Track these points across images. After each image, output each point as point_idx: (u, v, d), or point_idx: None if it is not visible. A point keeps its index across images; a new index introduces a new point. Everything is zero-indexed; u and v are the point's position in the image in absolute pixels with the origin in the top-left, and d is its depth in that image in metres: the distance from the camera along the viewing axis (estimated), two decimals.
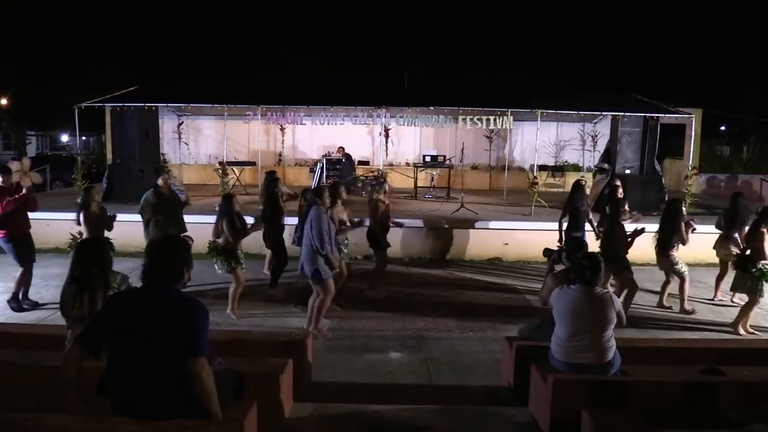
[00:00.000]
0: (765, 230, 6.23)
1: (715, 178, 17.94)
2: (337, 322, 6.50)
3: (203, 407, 2.66)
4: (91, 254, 3.75)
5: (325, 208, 5.92)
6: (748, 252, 6.40)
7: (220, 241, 6.49)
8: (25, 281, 6.95)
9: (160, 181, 7.47)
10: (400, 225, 7.68)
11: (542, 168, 15.16)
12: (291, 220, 8.14)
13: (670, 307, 7.30)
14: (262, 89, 14.95)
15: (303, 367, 4.44)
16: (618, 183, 8.37)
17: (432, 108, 14.04)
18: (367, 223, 7.37)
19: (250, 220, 7.39)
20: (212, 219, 7.57)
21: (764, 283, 6.23)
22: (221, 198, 6.77)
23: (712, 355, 4.49)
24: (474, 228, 10.14)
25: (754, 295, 6.30)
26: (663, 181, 12.60)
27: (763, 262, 6.20)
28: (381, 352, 5.70)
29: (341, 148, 15.42)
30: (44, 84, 32.11)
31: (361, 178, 14.19)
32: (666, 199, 12.17)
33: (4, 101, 31.18)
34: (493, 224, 10.23)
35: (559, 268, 4.96)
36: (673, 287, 7.37)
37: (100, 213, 7.01)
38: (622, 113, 11.81)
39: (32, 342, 4.25)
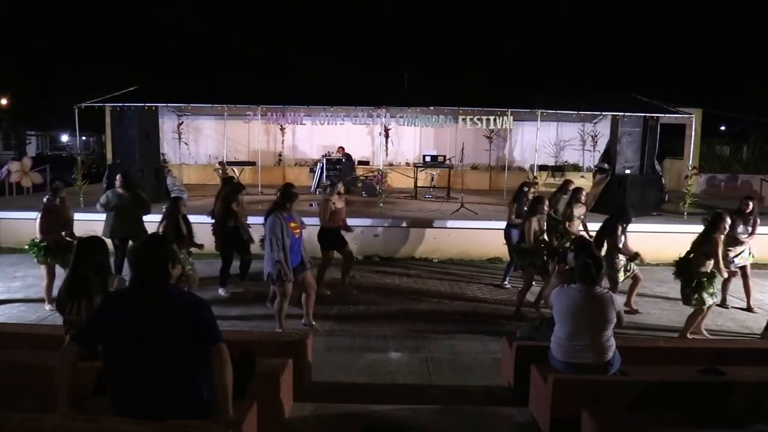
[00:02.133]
0: (717, 236, 5.94)
1: (715, 178, 17.95)
2: (337, 323, 6.50)
3: (203, 408, 2.66)
4: (89, 256, 3.69)
5: (287, 214, 5.79)
6: (691, 256, 6.05)
7: None
8: None
9: (116, 182, 7.55)
10: (349, 229, 7.67)
11: (542, 168, 15.17)
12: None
13: (637, 311, 7.07)
14: (262, 89, 14.95)
15: (303, 367, 4.44)
16: (579, 186, 8.27)
17: (432, 108, 14.04)
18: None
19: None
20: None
21: (703, 291, 5.89)
22: (169, 200, 6.75)
23: (712, 355, 4.49)
24: (474, 228, 10.14)
25: (700, 305, 5.94)
26: (663, 181, 12.60)
27: (704, 268, 5.90)
28: (381, 352, 5.69)
29: (341, 148, 15.43)
30: (44, 84, 32.17)
31: (362, 177, 14.20)
32: (666, 199, 12.19)
33: (4, 101, 31.19)
34: (493, 224, 10.22)
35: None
36: (671, 290, 7.33)
37: (61, 215, 6.83)
38: (622, 113, 11.80)
39: (32, 342, 4.25)
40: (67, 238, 6.70)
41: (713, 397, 3.73)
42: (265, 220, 5.78)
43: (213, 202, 7.87)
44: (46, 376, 3.34)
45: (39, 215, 6.71)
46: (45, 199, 6.89)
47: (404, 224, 10.11)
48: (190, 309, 2.66)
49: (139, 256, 2.74)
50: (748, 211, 7.14)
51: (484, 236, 10.06)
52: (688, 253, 6.12)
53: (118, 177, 7.60)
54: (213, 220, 7.52)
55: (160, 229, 6.53)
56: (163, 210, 6.80)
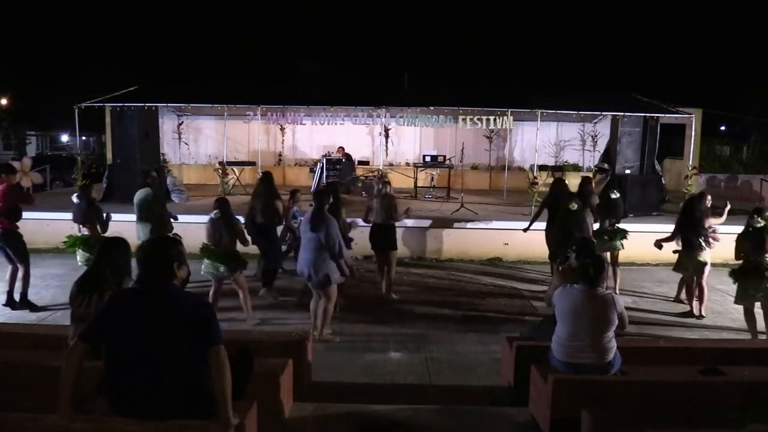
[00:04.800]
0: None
1: (715, 178, 17.94)
2: (337, 323, 6.50)
3: (204, 407, 2.66)
4: (105, 255, 3.74)
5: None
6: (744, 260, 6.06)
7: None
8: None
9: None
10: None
11: (542, 168, 15.15)
12: None
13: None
14: (262, 89, 14.94)
15: (303, 367, 4.44)
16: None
17: (432, 108, 14.04)
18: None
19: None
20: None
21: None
22: (219, 201, 6.46)
23: (712, 355, 4.49)
24: (474, 228, 10.14)
25: None
26: (663, 181, 12.59)
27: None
28: (381, 352, 5.70)
29: (341, 148, 15.41)
30: (44, 84, 32.15)
31: (362, 178, 14.19)
32: (667, 199, 12.17)
33: (4, 101, 31.17)
34: (493, 224, 10.23)
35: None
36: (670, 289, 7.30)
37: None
38: (622, 113, 11.80)
39: (32, 342, 4.25)
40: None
41: (713, 397, 3.72)
42: (313, 218, 5.75)
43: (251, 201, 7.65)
44: (46, 376, 3.34)
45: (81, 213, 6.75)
46: (78, 197, 6.92)
47: (403, 224, 10.10)
48: (192, 309, 2.66)
49: (146, 255, 2.75)
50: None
51: (484, 236, 10.07)
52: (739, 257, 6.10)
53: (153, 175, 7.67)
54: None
55: (224, 231, 6.25)
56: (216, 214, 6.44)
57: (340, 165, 13.98)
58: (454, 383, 5.02)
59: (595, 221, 7.58)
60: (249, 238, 6.79)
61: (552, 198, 7.97)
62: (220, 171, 11.86)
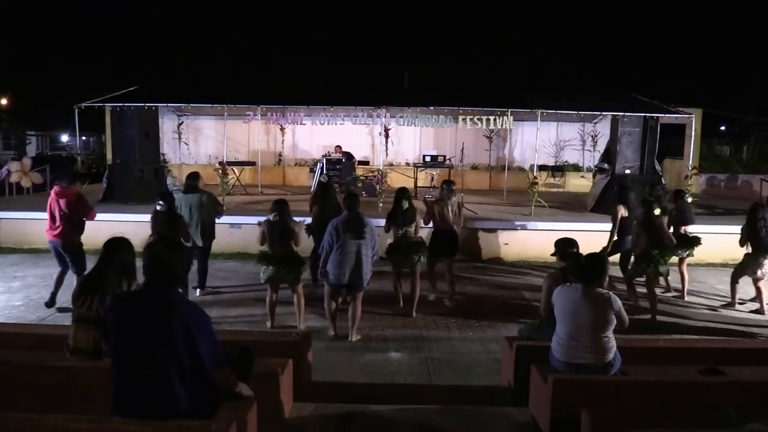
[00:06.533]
0: None
1: (715, 178, 17.93)
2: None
3: (205, 408, 2.66)
4: (110, 255, 3.72)
5: None
6: None
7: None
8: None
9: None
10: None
11: (542, 168, 15.16)
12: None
13: None
14: (262, 89, 14.94)
15: (303, 367, 4.44)
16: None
17: (432, 108, 14.04)
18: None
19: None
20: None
21: None
22: (279, 204, 6.10)
23: (712, 355, 4.49)
24: (474, 228, 10.14)
25: None
26: (663, 181, 12.59)
27: None
28: (381, 352, 5.70)
29: (338, 147, 15.36)
30: (44, 84, 32.19)
31: (361, 178, 14.19)
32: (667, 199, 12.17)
33: (4, 101, 31.18)
34: (493, 224, 10.23)
35: None
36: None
37: None
38: (622, 113, 11.80)
39: (32, 342, 4.25)
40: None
41: (713, 397, 3.72)
42: (354, 223, 5.78)
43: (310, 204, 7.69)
44: (46, 376, 3.35)
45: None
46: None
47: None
48: (186, 318, 2.64)
49: (160, 256, 2.73)
50: None
51: (484, 236, 10.06)
52: None
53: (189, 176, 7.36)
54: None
55: (279, 234, 6.04)
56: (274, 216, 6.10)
57: (340, 165, 13.98)
58: (454, 383, 5.02)
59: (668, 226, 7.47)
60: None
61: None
62: (220, 171, 11.84)
